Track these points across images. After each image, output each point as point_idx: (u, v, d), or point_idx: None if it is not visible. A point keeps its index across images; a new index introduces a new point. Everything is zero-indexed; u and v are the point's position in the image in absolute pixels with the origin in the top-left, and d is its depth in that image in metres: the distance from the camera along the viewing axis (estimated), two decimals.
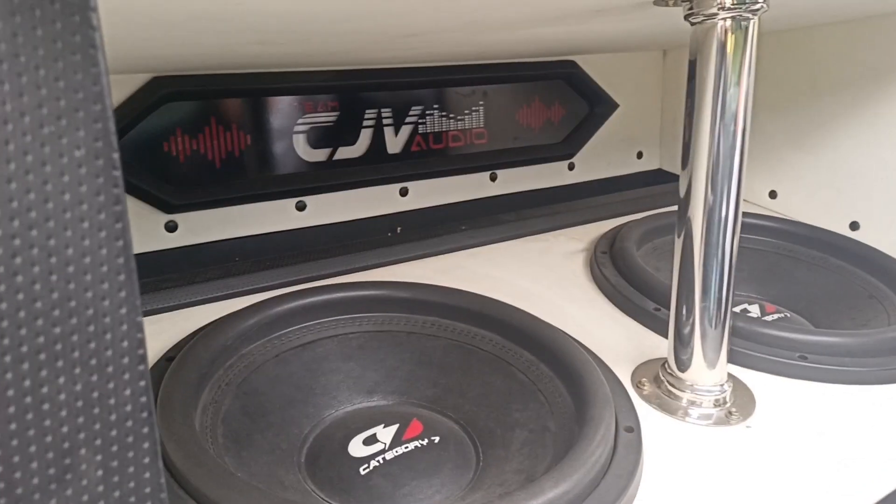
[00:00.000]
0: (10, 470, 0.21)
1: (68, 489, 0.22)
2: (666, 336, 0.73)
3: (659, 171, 1.27)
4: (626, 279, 0.81)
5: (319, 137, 0.92)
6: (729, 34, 0.55)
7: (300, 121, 0.90)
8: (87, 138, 0.20)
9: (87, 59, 0.20)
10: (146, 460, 0.22)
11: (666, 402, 0.63)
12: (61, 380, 0.21)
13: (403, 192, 1.00)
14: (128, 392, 0.22)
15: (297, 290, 0.71)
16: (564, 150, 1.13)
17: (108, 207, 0.21)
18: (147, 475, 0.22)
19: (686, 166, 0.60)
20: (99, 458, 0.22)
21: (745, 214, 0.88)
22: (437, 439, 0.62)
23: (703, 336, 0.62)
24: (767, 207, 1.09)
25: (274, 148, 0.89)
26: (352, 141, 0.94)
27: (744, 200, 0.60)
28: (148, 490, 0.23)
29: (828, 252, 0.93)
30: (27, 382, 0.21)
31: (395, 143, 0.98)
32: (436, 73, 0.98)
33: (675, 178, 1.23)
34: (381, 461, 0.58)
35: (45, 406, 0.21)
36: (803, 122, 1.04)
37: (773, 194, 1.09)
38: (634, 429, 0.57)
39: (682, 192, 0.61)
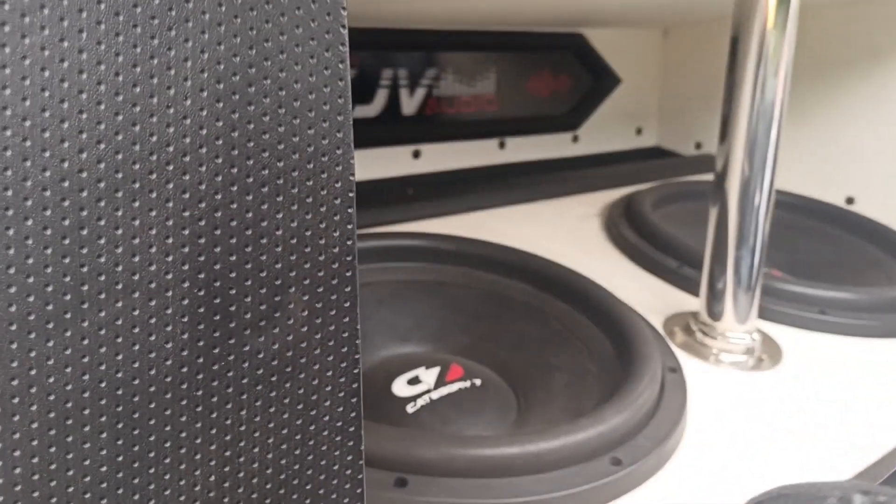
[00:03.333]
0: (226, 303, 0.21)
1: (276, 327, 0.22)
2: (689, 291, 0.75)
3: (657, 148, 1.29)
4: (646, 240, 0.83)
5: None
6: (771, 8, 0.56)
7: None
8: None
9: None
10: (347, 304, 0.23)
11: (698, 349, 0.65)
12: (280, 215, 0.21)
13: (416, 155, 1.00)
14: (336, 233, 0.22)
15: None
16: (570, 121, 1.15)
17: (334, 46, 0.21)
18: (346, 319, 0.23)
19: (725, 140, 0.62)
20: (306, 297, 0.22)
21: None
22: (478, 382, 0.62)
23: (736, 290, 0.64)
24: None
25: None
26: (368, 100, 0.94)
27: None
28: (346, 334, 0.23)
29: (827, 222, 0.97)
30: (249, 214, 0.21)
31: (409, 104, 0.98)
32: (451, 37, 0.99)
33: (673, 154, 1.27)
34: (428, 400, 0.59)
35: (263, 240, 0.21)
36: (802, 100, 1.07)
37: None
38: (677, 369, 0.59)
39: (719, 164, 0.63)
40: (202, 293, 0.21)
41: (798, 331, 0.70)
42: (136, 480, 0.21)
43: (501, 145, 1.08)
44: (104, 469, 0.20)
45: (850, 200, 1.03)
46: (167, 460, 0.21)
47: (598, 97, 1.18)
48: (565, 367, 0.63)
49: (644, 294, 0.75)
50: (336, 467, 0.24)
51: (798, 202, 1.00)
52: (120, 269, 0.19)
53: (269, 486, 0.23)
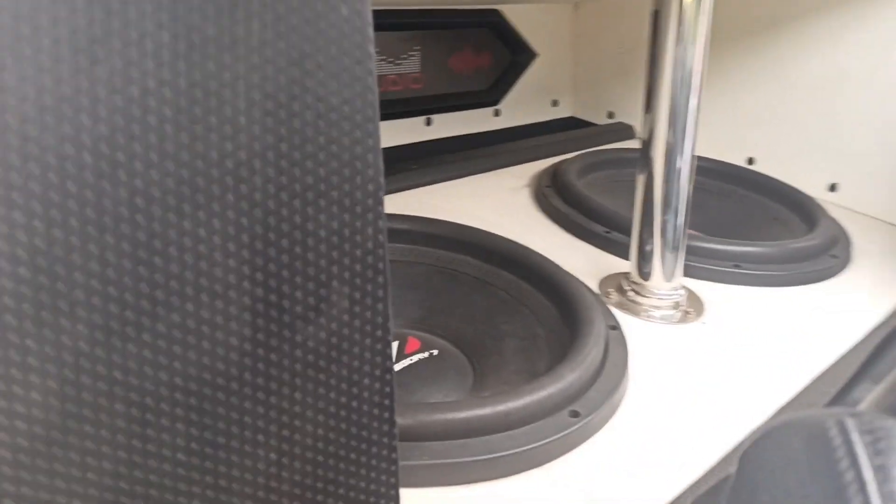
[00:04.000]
0: (280, 298, 0.23)
1: (322, 318, 0.24)
2: (618, 255, 0.81)
3: (572, 118, 1.35)
4: (574, 208, 0.88)
5: None
6: None
7: None
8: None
9: None
10: (381, 294, 0.25)
11: (632, 307, 0.71)
12: (322, 217, 0.24)
13: None
14: (370, 231, 0.25)
15: None
16: (491, 96, 1.19)
17: (364, 62, 0.23)
18: (381, 307, 0.25)
19: (649, 110, 0.67)
20: (347, 290, 0.25)
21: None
22: (435, 352, 0.66)
23: (663, 251, 0.69)
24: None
25: None
26: None
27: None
28: (381, 320, 0.26)
29: (731, 182, 1.05)
30: (297, 218, 0.23)
31: None
32: (376, 17, 1.00)
33: (588, 124, 1.33)
34: None
35: (309, 241, 0.24)
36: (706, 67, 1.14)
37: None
38: (616, 327, 0.64)
39: (645, 133, 0.68)
40: (259, 291, 0.23)
41: (716, 284, 0.77)
42: (208, 463, 0.23)
43: (428, 122, 1.11)
44: (180, 456, 0.23)
45: (750, 161, 1.12)
46: (234, 443, 0.24)
47: (517, 72, 1.22)
48: (515, 333, 0.67)
49: (577, 260, 0.80)
50: (375, 437, 0.27)
51: (705, 164, 1.07)
52: (188, 274, 0.22)
53: (319, 459, 0.25)
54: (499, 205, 0.92)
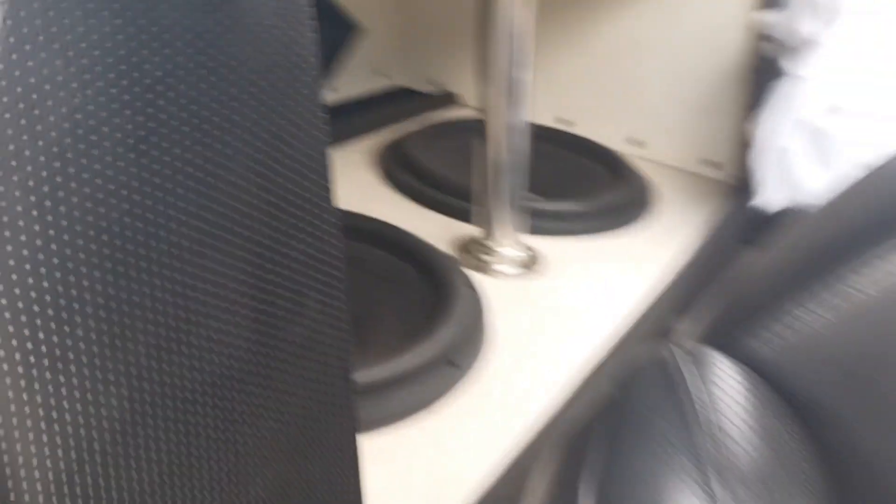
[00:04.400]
0: (271, 306, 0.31)
1: (300, 318, 0.33)
2: (463, 220, 0.92)
3: (402, 89, 1.44)
4: (419, 179, 0.98)
5: None
6: None
7: None
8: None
9: None
10: (342, 298, 0.34)
11: (482, 266, 0.83)
12: (299, 245, 0.32)
13: None
14: (333, 252, 0.33)
15: None
16: (325, 72, 1.24)
17: (320, 146, 0.31)
18: (343, 308, 0.34)
19: (486, 82, 0.77)
20: (318, 297, 0.33)
21: (474, 118, 1.09)
22: None
23: (505, 213, 0.82)
24: None
25: None
26: None
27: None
28: (343, 318, 0.34)
29: (549, 143, 1.19)
30: (282, 248, 0.31)
31: None
32: None
33: (418, 94, 1.42)
34: None
35: (291, 264, 0.32)
36: None
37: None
38: (472, 285, 0.76)
39: (483, 104, 0.79)
40: (257, 303, 0.31)
41: (549, 238, 0.91)
42: (229, 435, 0.31)
43: None
44: (210, 433, 0.30)
45: (560, 121, 1.27)
46: (246, 418, 0.31)
47: (347, 46, 1.28)
48: (388, 301, 0.76)
49: (428, 227, 0.90)
50: (341, 403, 0.35)
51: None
52: (210, 299, 0.29)
53: (300, 435, 0.34)
54: (346, 181, 1.00)
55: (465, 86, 1.36)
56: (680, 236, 0.94)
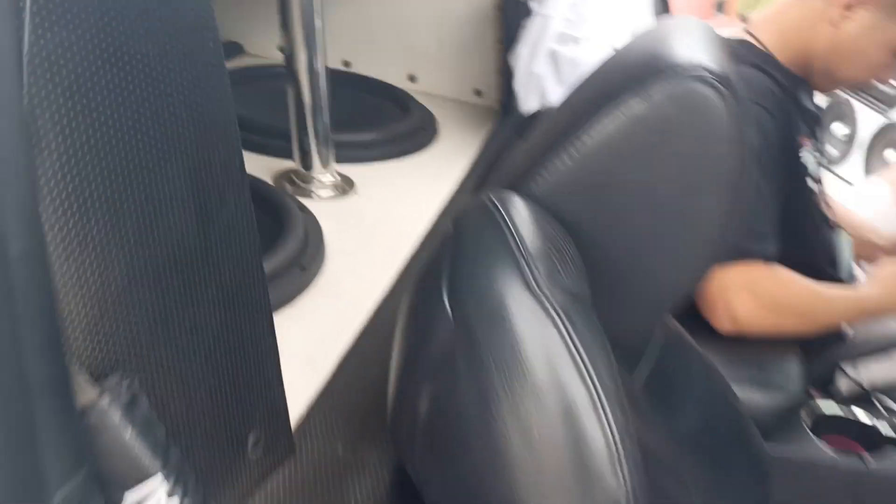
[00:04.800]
0: (204, 202, 0.43)
1: (224, 211, 0.45)
2: (282, 156, 1.03)
3: None
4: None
5: None
6: None
7: None
8: None
9: None
10: (246, 194, 0.46)
11: (304, 192, 0.95)
12: (219, 160, 0.44)
13: None
14: (238, 165, 0.45)
15: None
16: None
17: (225, 103, 0.43)
18: (249, 210, 0.46)
19: (286, 28, 0.89)
20: (233, 197, 0.45)
21: (274, 66, 1.19)
22: None
23: (318, 145, 0.95)
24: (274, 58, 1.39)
25: None
26: None
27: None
28: (249, 217, 0.47)
29: (337, 85, 1.32)
30: (208, 167, 0.43)
31: None
32: None
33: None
34: None
35: (214, 178, 0.43)
36: None
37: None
38: (303, 208, 0.89)
39: (287, 50, 0.90)
40: (197, 200, 0.42)
41: (357, 165, 1.05)
42: (186, 297, 0.43)
43: None
44: (174, 296, 0.42)
45: (346, 64, 1.40)
46: (196, 285, 0.43)
47: None
48: None
49: (251, 167, 1.00)
50: (256, 285, 0.48)
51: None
52: (166, 199, 0.40)
53: (231, 298, 0.46)
54: None
55: (247, 36, 1.42)
56: (463, 152, 1.13)
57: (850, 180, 1.94)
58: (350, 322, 0.72)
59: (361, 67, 1.38)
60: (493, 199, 0.45)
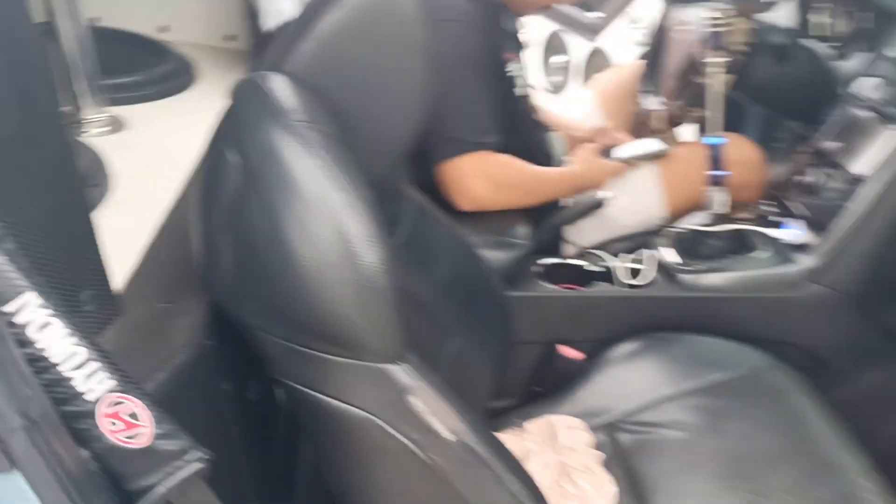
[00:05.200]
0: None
1: (57, 124, 0.55)
2: None
3: None
4: None
5: None
6: None
7: None
8: None
9: None
10: (59, 114, 0.57)
11: (80, 133, 1.01)
12: (45, 96, 0.54)
13: None
14: (54, 98, 0.56)
15: None
16: None
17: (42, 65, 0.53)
18: (57, 109, 0.57)
19: None
20: (55, 113, 0.56)
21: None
22: None
23: (87, 92, 1.01)
24: None
25: None
26: None
27: None
28: (61, 119, 0.57)
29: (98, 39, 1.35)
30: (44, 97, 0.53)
31: None
32: None
33: None
34: None
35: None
36: None
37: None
38: (84, 143, 0.95)
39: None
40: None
41: (127, 106, 1.12)
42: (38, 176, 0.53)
43: None
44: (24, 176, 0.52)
45: (95, 20, 1.41)
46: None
47: None
48: None
49: None
50: (70, 180, 0.58)
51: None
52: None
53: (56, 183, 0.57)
54: None
55: None
56: (221, 92, 1.23)
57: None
58: (149, 220, 0.82)
59: (108, 21, 1.41)
60: (258, 77, 0.60)
